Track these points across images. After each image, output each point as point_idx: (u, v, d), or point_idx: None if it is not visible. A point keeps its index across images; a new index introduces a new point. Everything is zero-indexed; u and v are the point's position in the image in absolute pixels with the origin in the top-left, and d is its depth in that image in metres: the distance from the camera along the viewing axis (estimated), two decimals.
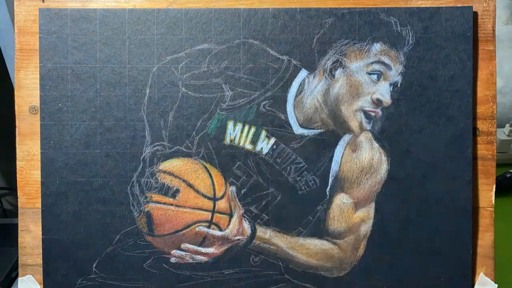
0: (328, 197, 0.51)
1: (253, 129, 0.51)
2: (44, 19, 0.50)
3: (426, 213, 0.51)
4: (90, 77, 0.50)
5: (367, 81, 0.51)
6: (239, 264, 0.51)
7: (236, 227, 0.51)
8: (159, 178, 0.51)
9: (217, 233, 0.51)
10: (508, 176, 0.90)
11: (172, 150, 0.51)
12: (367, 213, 0.51)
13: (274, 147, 0.51)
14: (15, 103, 0.51)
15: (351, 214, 0.51)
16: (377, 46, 0.51)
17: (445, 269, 0.51)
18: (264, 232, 0.51)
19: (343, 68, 0.51)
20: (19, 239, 0.52)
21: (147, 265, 0.51)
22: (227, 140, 0.51)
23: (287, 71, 0.50)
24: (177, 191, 0.51)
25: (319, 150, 0.51)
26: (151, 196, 0.51)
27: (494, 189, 0.52)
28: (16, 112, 0.51)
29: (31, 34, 0.51)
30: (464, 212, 0.51)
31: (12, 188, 1.08)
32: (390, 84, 0.51)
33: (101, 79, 0.50)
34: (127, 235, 0.51)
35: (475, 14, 0.51)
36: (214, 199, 0.51)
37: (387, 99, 0.51)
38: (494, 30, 0.51)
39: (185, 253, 0.51)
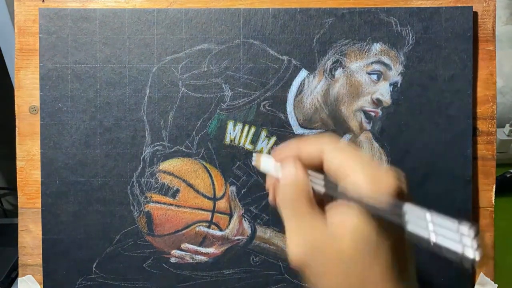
0: None
1: (253, 129, 0.51)
2: (44, 19, 0.50)
3: None
4: (90, 77, 0.50)
5: (367, 81, 0.51)
6: (239, 264, 0.51)
7: (236, 227, 0.51)
8: (159, 178, 0.51)
9: (217, 233, 0.51)
10: (508, 176, 0.90)
11: (172, 150, 0.51)
12: None
13: (274, 147, 0.51)
14: (15, 103, 0.51)
15: None
16: (377, 46, 0.51)
17: (445, 269, 0.51)
18: (264, 232, 0.51)
19: (343, 68, 0.51)
20: (19, 239, 0.52)
21: (147, 265, 0.51)
22: (227, 140, 0.51)
23: (287, 71, 0.50)
24: (177, 191, 0.51)
25: None
26: (151, 196, 0.51)
27: (494, 189, 0.52)
28: (16, 112, 0.51)
29: (31, 34, 0.51)
30: (464, 212, 0.51)
31: (12, 188, 1.08)
32: (390, 84, 0.51)
33: (101, 79, 0.50)
34: (127, 235, 0.51)
35: (475, 14, 0.51)
36: (214, 199, 0.51)
37: (387, 99, 0.51)
38: (494, 30, 0.51)
39: (185, 253, 0.51)
